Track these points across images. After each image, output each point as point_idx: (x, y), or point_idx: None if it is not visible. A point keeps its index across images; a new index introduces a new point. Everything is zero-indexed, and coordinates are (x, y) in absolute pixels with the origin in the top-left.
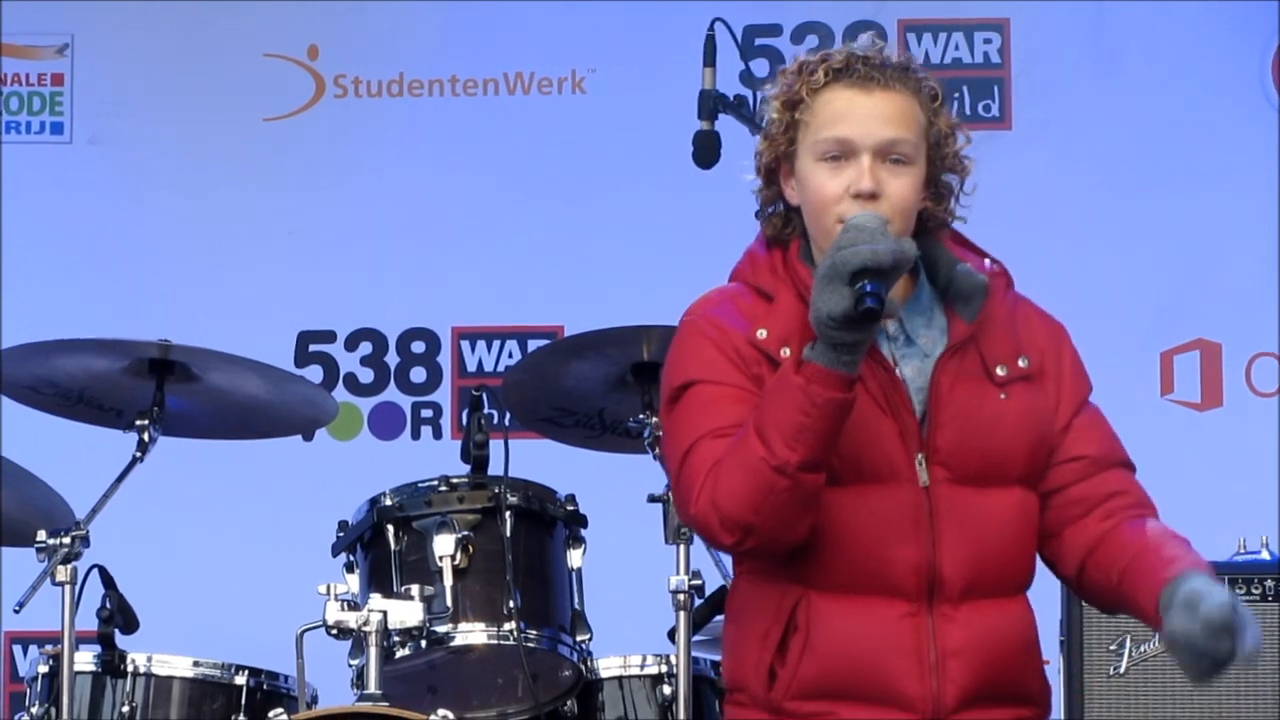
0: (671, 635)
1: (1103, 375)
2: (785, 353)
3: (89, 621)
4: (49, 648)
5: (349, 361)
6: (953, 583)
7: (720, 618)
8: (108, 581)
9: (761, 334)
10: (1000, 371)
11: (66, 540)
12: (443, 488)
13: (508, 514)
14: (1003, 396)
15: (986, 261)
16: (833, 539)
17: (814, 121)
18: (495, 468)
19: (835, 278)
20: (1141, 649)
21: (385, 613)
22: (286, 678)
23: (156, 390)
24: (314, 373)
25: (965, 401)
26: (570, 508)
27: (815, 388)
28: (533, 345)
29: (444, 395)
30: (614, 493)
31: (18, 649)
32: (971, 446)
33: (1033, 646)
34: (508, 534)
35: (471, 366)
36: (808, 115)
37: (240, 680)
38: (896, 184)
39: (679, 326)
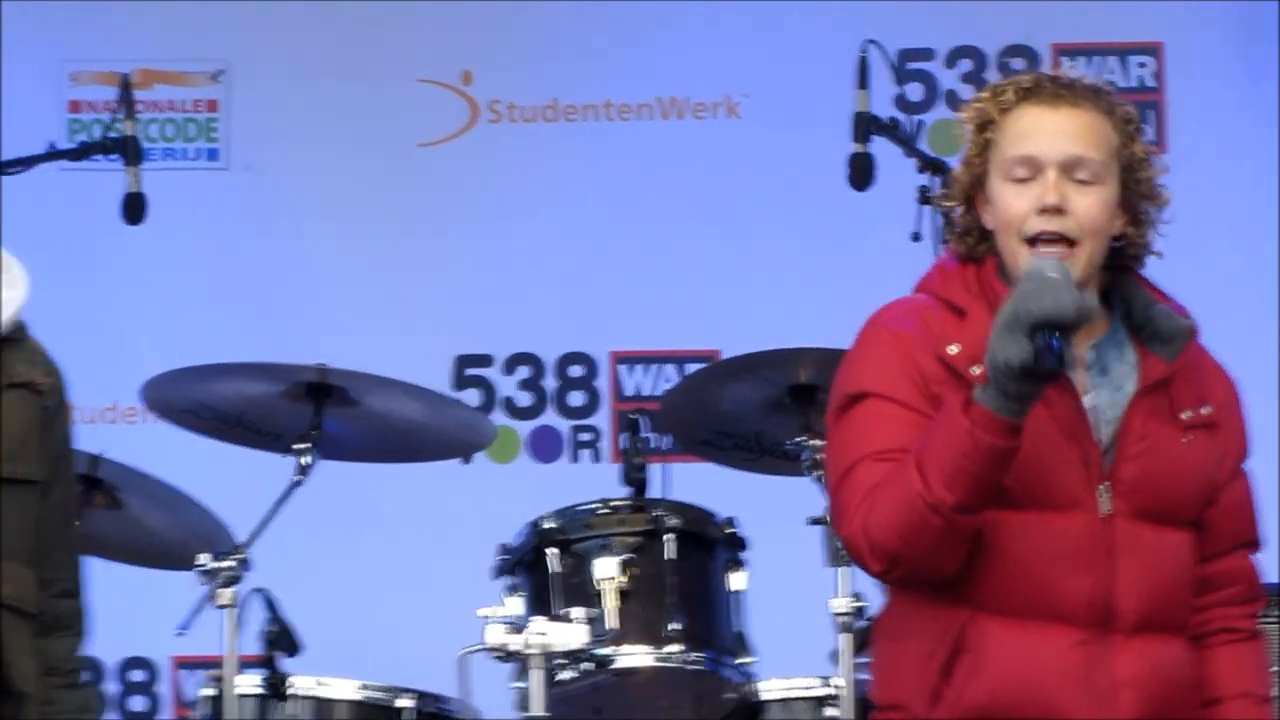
0: (834, 657)
1: (1262, 404)
2: (975, 370)
3: (253, 645)
4: (213, 671)
5: (507, 385)
6: (1127, 615)
7: None
8: (270, 605)
9: (953, 350)
10: (1185, 415)
11: (228, 564)
12: (603, 510)
13: (668, 537)
14: (1185, 440)
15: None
16: (1006, 563)
17: (1002, 141)
18: (654, 491)
19: (1016, 326)
20: None
21: (547, 635)
22: (450, 700)
23: (315, 414)
24: (471, 396)
25: (1156, 440)
26: (730, 530)
27: (980, 432)
28: (689, 369)
29: (602, 419)
30: (774, 515)
31: (184, 674)
32: (1156, 484)
33: (1198, 685)
34: (668, 557)
35: (629, 390)
36: (997, 134)
37: (404, 703)
38: (1084, 201)
39: (862, 331)
